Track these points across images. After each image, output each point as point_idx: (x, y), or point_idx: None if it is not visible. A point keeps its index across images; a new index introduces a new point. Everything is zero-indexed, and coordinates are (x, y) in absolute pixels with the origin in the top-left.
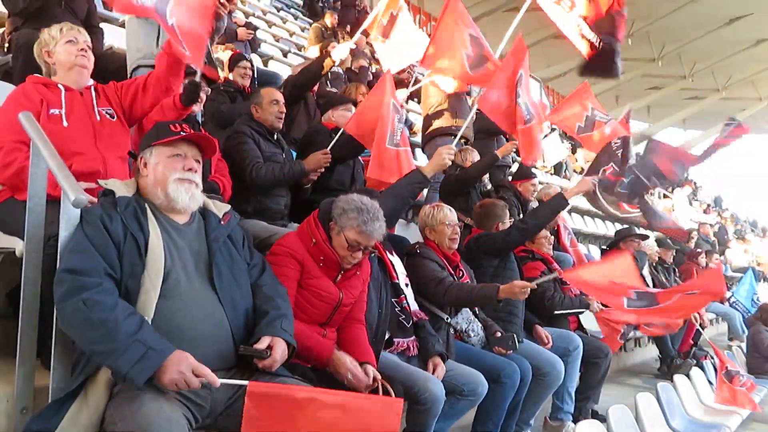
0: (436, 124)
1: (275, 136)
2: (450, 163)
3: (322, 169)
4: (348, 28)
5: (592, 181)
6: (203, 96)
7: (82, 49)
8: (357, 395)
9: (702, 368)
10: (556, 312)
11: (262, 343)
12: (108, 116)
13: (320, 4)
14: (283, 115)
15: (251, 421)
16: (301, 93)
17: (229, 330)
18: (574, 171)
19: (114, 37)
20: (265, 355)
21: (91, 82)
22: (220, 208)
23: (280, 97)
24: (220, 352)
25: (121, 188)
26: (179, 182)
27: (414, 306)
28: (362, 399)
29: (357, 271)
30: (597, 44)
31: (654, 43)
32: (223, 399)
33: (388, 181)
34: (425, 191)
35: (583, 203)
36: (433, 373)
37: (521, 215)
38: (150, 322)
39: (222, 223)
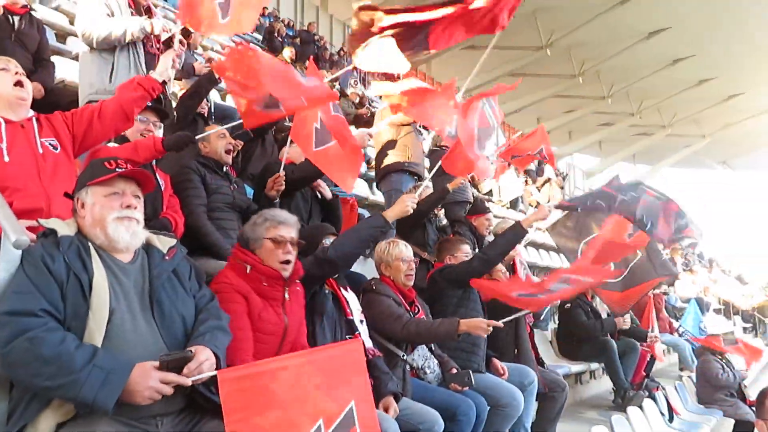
0: (390, 156)
1: (224, 169)
2: (412, 210)
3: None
4: (306, 63)
5: (549, 208)
6: (155, 130)
7: (16, 73)
8: (318, 348)
9: (654, 399)
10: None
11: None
12: (51, 147)
13: (279, 39)
14: (232, 147)
15: (232, 410)
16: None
17: None
18: (530, 205)
19: (66, 71)
20: (189, 355)
21: (32, 113)
22: (164, 243)
23: (226, 131)
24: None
25: (63, 227)
26: (118, 221)
27: (368, 343)
28: (324, 349)
29: (298, 286)
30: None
31: (604, 81)
32: None
33: (345, 175)
34: None
35: (539, 237)
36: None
37: (476, 250)
38: None
39: (167, 258)
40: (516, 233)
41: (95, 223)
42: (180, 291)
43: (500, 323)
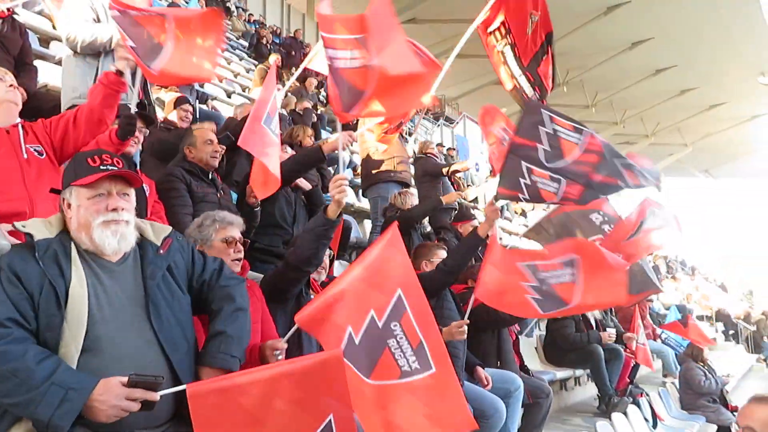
0: (376, 163)
1: (210, 176)
2: (345, 195)
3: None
4: (293, 70)
5: (495, 207)
6: (140, 136)
7: (11, 86)
8: (294, 360)
9: (638, 405)
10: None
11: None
12: (36, 153)
13: (266, 46)
14: (218, 154)
15: (203, 427)
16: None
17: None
18: (515, 212)
19: (48, 75)
20: (159, 381)
21: (19, 120)
22: (159, 233)
23: (214, 137)
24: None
25: (42, 229)
26: (104, 226)
27: None
28: (301, 361)
29: (248, 283)
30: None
31: (587, 91)
32: None
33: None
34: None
35: (525, 243)
36: None
37: None
38: None
39: (161, 251)
40: (472, 242)
41: (80, 227)
42: (176, 291)
43: (465, 320)
